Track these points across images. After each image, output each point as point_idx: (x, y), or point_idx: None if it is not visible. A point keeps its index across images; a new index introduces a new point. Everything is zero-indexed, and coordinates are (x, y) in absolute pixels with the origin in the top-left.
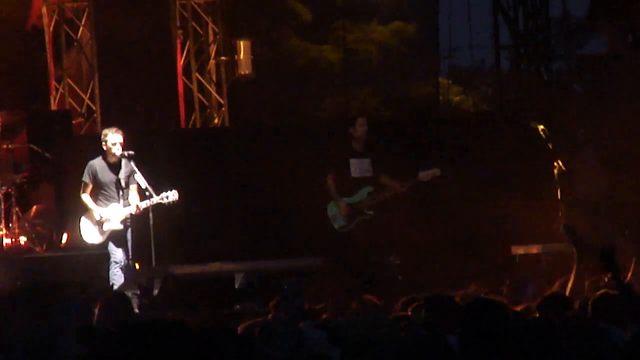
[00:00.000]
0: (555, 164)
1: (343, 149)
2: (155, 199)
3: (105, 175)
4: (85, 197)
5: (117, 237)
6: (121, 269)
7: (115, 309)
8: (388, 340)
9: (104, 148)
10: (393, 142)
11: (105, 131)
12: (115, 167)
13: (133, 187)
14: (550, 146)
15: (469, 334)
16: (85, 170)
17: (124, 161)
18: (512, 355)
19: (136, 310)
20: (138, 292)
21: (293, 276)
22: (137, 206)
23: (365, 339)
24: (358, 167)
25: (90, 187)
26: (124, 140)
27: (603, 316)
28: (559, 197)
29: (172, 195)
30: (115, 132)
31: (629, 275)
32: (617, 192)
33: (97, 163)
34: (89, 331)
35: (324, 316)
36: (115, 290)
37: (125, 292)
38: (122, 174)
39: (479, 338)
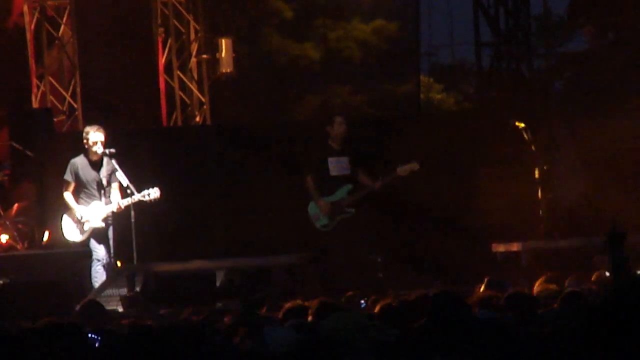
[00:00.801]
0: (535, 160)
1: (320, 148)
2: (137, 197)
3: (87, 173)
4: (67, 196)
5: (98, 235)
6: (103, 266)
7: (91, 314)
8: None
9: (86, 146)
10: (372, 140)
11: (87, 129)
12: (97, 165)
13: (115, 185)
14: (532, 145)
15: (432, 323)
16: (67, 168)
17: (105, 159)
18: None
19: (120, 309)
20: (121, 290)
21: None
22: (119, 204)
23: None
24: (336, 166)
25: (72, 185)
26: (105, 138)
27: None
28: (539, 195)
29: (153, 193)
30: (97, 130)
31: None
32: (598, 190)
33: (79, 161)
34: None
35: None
36: (90, 299)
37: (107, 291)
38: (104, 172)
39: (440, 327)
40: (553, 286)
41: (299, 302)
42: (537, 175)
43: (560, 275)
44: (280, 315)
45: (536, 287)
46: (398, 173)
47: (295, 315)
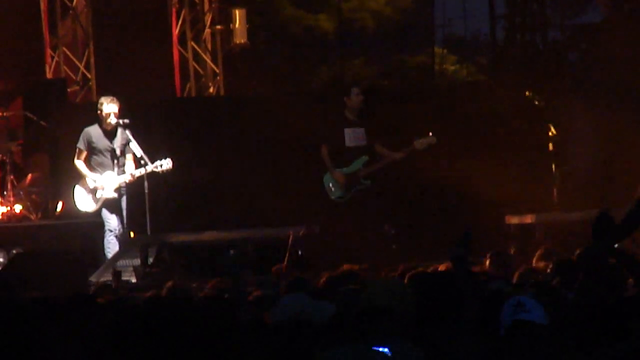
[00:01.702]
0: (549, 133)
1: (336, 119)
2: (150, 167)
3: (101, 142)
4: (79, 163)
5: (111, 205)
6: (115, 237)
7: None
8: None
9: (100, 116)
10: (388, 111)
11: (101, 99)
12: (110, 135)
13: (129, 156)
14: (545, 117)
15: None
16: (81, 137)
17: (119, 130)
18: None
19: (133, 280)
20: (135, 261)
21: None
22: (132, 174)
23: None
24: (352, 137)
25: (84, 153)
26: (119, 109)
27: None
28: (553, 167)
29: (166, 164)
30: (111, 101)
31: None
32: (613, 163)
33: (93, 130)
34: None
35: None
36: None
37: (120, 262)
38: (118, 142)
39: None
40: (542, 264)
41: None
42: (551, 148)
43: (560, 248)
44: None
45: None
46: (415, 147)
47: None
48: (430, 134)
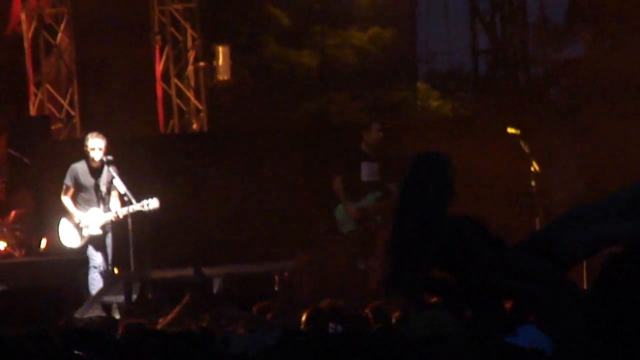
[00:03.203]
0: (532, 168)
1: (353, 152)
2: (136, 207)
3: (87, 179)
4: (66, 200)
5: (96, 242)
6: (100, 273)
7: None
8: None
9: (85, 152)
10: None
11: (87, 135)
12: (97, 172)
13: (114, 193)
14: (527, 151)
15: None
16: (68, 173)
17: (105, 167)
18: None
19: (117, 316)
20: (119, 298)
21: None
22: (117, 213)
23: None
24: (367, 171)
25: (71, 190)
26: (105, 145)
27: None
28: (536, 202)
29: (152, 203)
30: (96, 136)
31: None
32: (596, 196)
33: (80, 166)
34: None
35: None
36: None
37: (104, 299)
38: (104, 179)
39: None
40: None
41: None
42: (533, 183)
43: None
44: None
45: None
46: None
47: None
48: None
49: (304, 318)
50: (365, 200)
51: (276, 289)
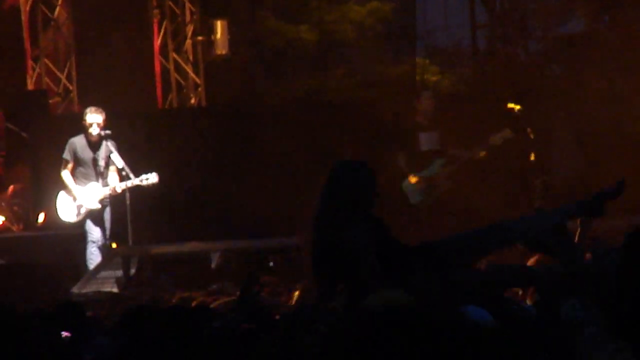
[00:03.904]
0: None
1: (409, 124)
2: (135, 181)
3: (85, 153)
4: (65, 175)
5: (94, 217)
6: (98, 248)
7: None
8: None
9: (84, 126)
10: (366, 125)
11: (86, 110)
12: (95, 146)
13: (113, 168)
14: (526, 127)
15: None
16: (66, 147)
17: (104, 141)
18: None
19: (115, 290)
20: (117, 272)
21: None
22: (115, 187)
23: None
24: (427, 140)
25: (70, 164)
26: (103, 120)
27: None
28: (535, 177)
29: (152, 178)
30: (95, 111)
31: None
32: (594, 174)
33: (78, 141)
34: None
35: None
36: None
37: (102, 273)
38: (102, 154)
39: None
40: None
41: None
42: (532, 158)
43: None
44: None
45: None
46: (492, 143)
47: None
48: (506, 128)
49: (296, 295)
50: (430, 169)
51: (271, 264)
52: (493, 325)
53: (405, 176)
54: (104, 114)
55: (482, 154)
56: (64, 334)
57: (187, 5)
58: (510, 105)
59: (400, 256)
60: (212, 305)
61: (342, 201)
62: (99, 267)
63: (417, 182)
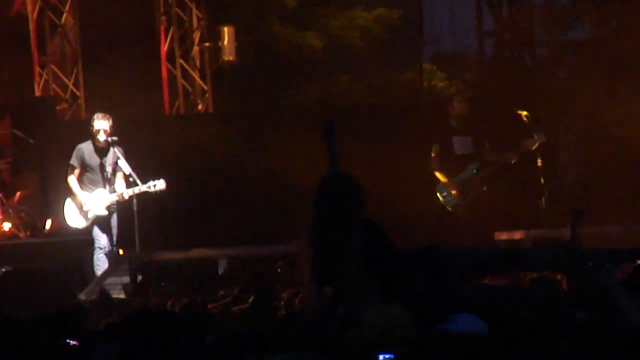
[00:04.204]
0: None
1: (442, 128)
2: (143, 187)
3: (93, 159)
4: (72, 181)
5: (101, 223)
6: (105, 254)
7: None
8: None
9: (92, 132)
10: (374, 129)
11: (93, 116)
12: (102, 152)
13: (120, 174)
14: (534, 133)
15: None
16: (74, 153)
17: (111, 147)
18: None
19: (122, 297)
20: (124, 278)
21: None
22: (122, 194)
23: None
24: (461, 145)
25: (77, 170)
26: (110, 127)
27: None
28: (542, 182)
29: (159, 184)
30: (102, 118)
31: None
32: (601, 179)
33: (85, 147)
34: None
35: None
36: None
37: (109, 280)
38: (109, 160)
39: None
40: None
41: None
42: (539, 164)
43: None
44: None
45: None
46: (525, 147)
47: None
48: (540, 133)
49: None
50: (464, 173)
51: (279, 270)
52: (485, 334)
53: (438, 181)
54: (111, 121)
55: (515, 159)
56: (71, 342)
57: (194, 11)
58: (518, 111)
59: (397, 261)
60: (233, 310)
61: (329, 216)
62: (106, 274)
63: (450, 187)
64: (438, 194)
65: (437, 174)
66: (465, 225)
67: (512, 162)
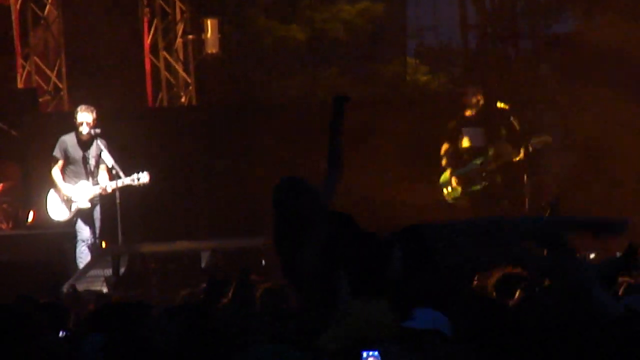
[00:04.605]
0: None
1: (456, 118)
2: (126, 180)
3: (76, 151)
4: (55, 172)
5: (84, 215)
6: (88, 247)
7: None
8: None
9: (75, 125)
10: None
11: (77, 108)
12: (86, 145)
13: (103, 167)
14: (516, 126)
15: None
16: (57, 145)
17: (95, 140)
18: None
19: (104, 290)
20: (106, 271)
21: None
22: (105, 187)
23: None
24: (471, 137)
25: (60, 162)
26: (94, 119)
27: None
28: (524, 177)
29: (143, 177)
30: (85, 110)
31: None
32: (583, 175)
33: (69, 139)
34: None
35: None
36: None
37: (92, 272)
38: (93, 152)
39: None
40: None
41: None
42: (521, 155)
43: None
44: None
45: None
46: (532, 144)
47: None
48: (546, 135)
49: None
50: (469, 166)
51: (263, 263)
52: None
53: (443, 172)
54: (94, 113)
55: (521, 156)
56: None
57: (178, 4)
58: (500, 104)
59: (371, 248)
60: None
61: (287, 223)
62: (89, 266)
63: (453, 179)
64: (441, 181)
65: (443, 162)
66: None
67: (519, 158)
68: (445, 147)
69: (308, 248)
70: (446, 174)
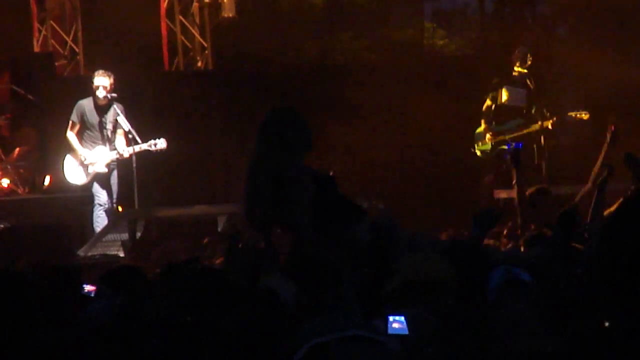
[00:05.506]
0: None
1: (501, 75)
2: (144, 146)
3: (93, 116)
4: (71, 136)
5: (101, 180)
6: (105, 211)
7: None
8: None
9: (92, 89)
10: (374, 86)
11: (95, 72)
12: (103, 109)
13: (120, 131)
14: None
15: None
16: (74, 109)
17: (112, 104)
18: None
19: (121, 254)
20: (123, 235)
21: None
22: (122, 152)
23: None
24: (513, 96)
25: (77, 126)
26: (111, 83)
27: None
28: (542, 142)
29: (160, 143)
30: (102, 74)
31: None
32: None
33: (86, 103)
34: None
35: None
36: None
37: (108, 236)
38: (109, 117)
39: None
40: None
41: None
42: (539, 124)
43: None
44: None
45: None
46: (567, 116)
47: None
48: (585, 112)
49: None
50: (507, 124)
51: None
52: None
53: (483, 123)
54: (112, 77)
55: (552, 124)
56: (87, 288)
57: None
58: (517, 69)
59: (342, 210)
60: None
61: (279, 144)
62: (105, 230)
63: (487, 133)
64: (475, 134)
65: (483, 116)
66: (474, 181)
67: (549, 127)
68: (487, 103)
69: (299, 166)
70: (481, 128)
